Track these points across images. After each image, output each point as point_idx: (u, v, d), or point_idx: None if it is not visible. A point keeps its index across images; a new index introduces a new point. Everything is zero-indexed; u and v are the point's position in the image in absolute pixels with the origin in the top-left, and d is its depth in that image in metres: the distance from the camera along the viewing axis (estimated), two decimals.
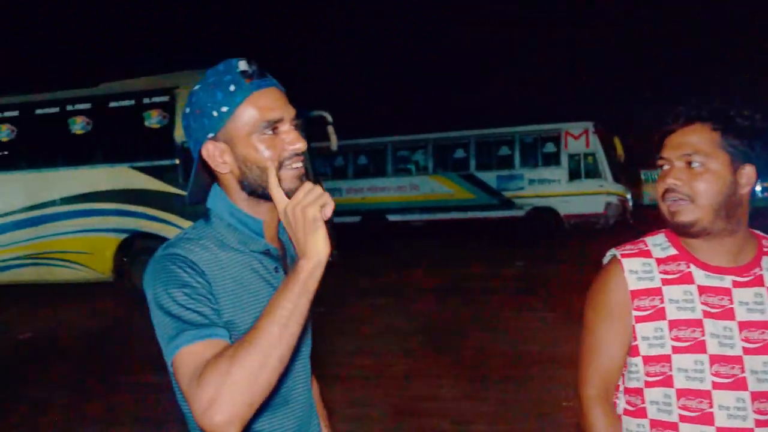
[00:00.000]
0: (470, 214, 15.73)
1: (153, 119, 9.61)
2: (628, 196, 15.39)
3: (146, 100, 9.72)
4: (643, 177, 34.43)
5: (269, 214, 1.29)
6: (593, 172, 14.76)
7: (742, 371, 1.38)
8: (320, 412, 1.55)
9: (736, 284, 1.42)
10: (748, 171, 1.40)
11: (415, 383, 5.28)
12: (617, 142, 15.37)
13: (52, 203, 9.99)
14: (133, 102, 9.84)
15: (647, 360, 1.43)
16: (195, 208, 9.03)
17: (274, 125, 1.21)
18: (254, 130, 1.20)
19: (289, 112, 1.24)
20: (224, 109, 1.20)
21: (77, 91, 10.28)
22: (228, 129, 1.21)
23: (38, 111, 10.30)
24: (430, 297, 9.13)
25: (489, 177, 15.62)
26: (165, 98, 9.58)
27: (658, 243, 1.51)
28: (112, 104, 9.98)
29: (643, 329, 1.44)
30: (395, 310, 8.34)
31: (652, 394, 1.43)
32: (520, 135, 15.65)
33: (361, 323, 7.59)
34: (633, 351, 1.45)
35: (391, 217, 16.34)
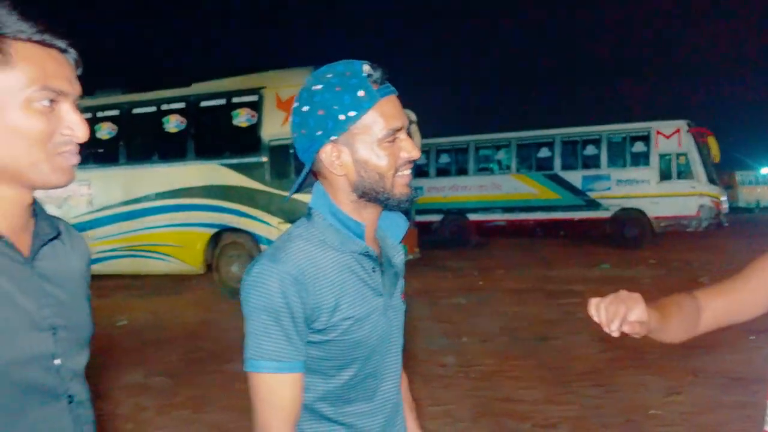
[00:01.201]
0: (554, 215, 15.43)
1: (241, 118, 9.91)
2: (723, 199, 14.69)
3: (235, 100, 10.04)
4: (738, 179, 32.79)
5: (371, 216, 1.32)
6: (686, 173, 14.23)
7: None
8: (410, 404, 1.55)
9: None
10: None
11: (497, 384, 5.25)
12: (712, 141, 14.70)
13: (147, 198, 10.47)
14: (223, 101, 10.18)
15: None
16: (281, 205, 9.31)
17: (394, 133, 1.25)
18: (378, 137, 1.24)
19: (406, 120, 1.28)
20: (351, 113, 1.21)
21: (171, 91, 10.72)
22: (351, 133, 1.23)
23: (136, 110, 10.83)
24: (513, 298, 9.02)
25: (574, 177, 15.28)
26: (253, 97, 9.85)
27: None
28: (204, 103, 10.38)
29: None
30: (478, 310, 8.29)
31: None
32: (608, 134, 15.23)
33: (444, 322, 7.59)
34: None
35: (473, 217, 16.22)
